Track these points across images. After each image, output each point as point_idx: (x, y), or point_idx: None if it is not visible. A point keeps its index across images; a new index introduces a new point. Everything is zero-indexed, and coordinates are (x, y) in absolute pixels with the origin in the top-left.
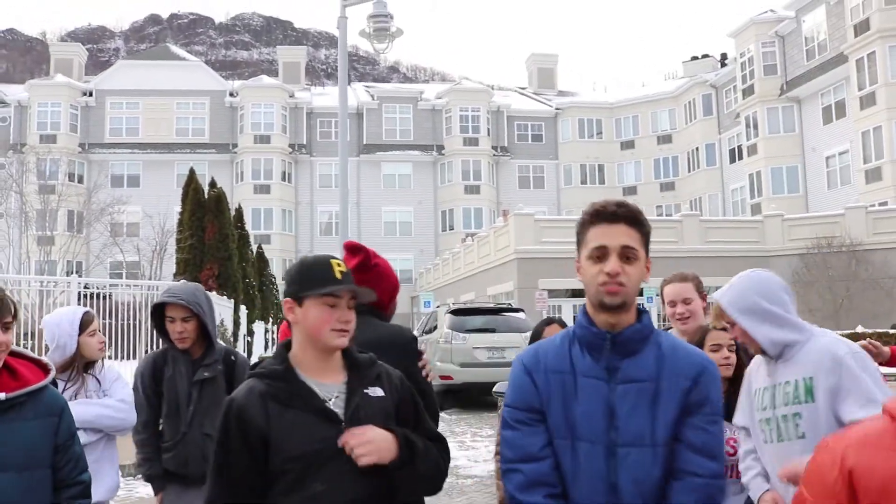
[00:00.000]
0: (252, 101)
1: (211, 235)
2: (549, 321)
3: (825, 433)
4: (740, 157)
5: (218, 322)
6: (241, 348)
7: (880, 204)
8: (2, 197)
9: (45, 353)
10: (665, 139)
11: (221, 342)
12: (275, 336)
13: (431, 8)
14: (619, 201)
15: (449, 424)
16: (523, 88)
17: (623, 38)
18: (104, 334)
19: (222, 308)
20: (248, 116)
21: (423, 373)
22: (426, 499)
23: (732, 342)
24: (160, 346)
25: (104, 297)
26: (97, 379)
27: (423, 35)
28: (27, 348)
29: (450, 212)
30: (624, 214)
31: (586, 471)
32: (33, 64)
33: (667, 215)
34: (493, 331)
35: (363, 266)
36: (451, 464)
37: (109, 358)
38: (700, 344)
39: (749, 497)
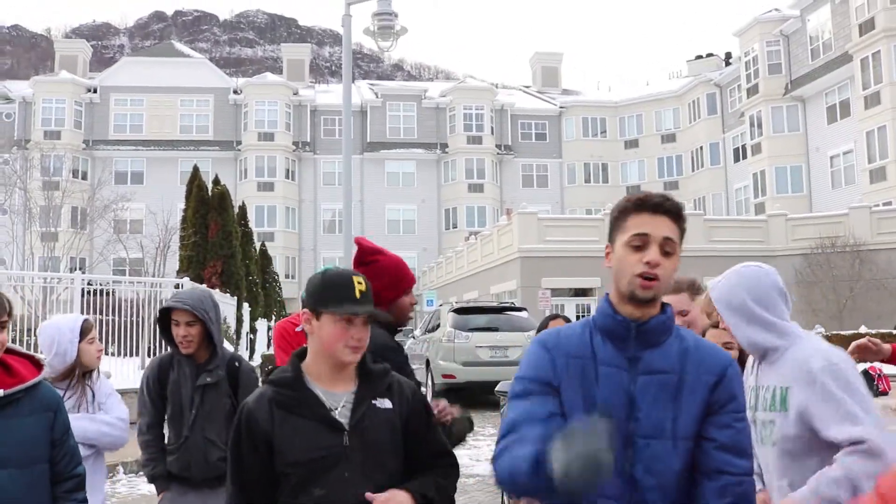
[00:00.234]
0: (256, 99)
1: (214, 233)
2: (553, 316)
3: (793, 445)
4: (744, 157)
5: (220, 320)
6: (243, 346)
7: (884, 204)
8: (6, 193)
9: (37, 348)
10: (669, 138)
11: (230, 347)
12: None
13: (436, 6)
14: (663, 193)
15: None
16: (527, 87)
17: (627, 36)
18: (108, 331)
19: (225, 306)
20: (252, 114)
21: (441, 415)
22: None
23: (731, 340)
24: (162, 343)
25: (107, 294)
26: (92, 390)
27: (427, 33)
28: (30, 344)
29: (453, 210)
30: (668, 207)
31: None
32: (38, 60)
33: None
34: (496, 330)
35: (359, 261)
36: None
37: (112, 354)
38: None
39: None
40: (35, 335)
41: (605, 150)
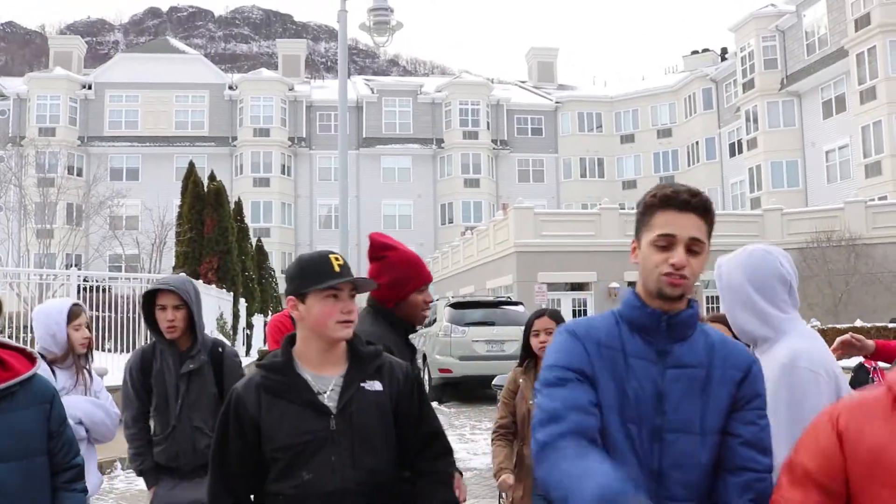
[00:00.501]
0: (251, 95)
1: (210, 228)
2: (540, 313)
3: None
4: (740, 152)
5: (218, 315)
6: (240, 341)
7: (880, 198)
8: (1, 190)
9: (32, 344)
10: (665, 133)
11: (216, 334)
12: None
13: (431, 1)
14: (691, 189)
15: (448, 417)
16: (523, 82)
17: (623, 31)
18: (104, 327)
19: (222, 301)
20: (248, 109)
21: None
22: None
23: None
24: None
25: (103, 290)
26: (90, 374)
27: (423, 28)
28: (27, 341)
29: (449, 205)
30: (696, 204)
31: (633, 453)
32: (32, 57)
33: None
34: (492, 324)
35: (370, 256)
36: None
37: (109, 351)
38: None
39: None
40: (31, 332)
41: (600, 144)
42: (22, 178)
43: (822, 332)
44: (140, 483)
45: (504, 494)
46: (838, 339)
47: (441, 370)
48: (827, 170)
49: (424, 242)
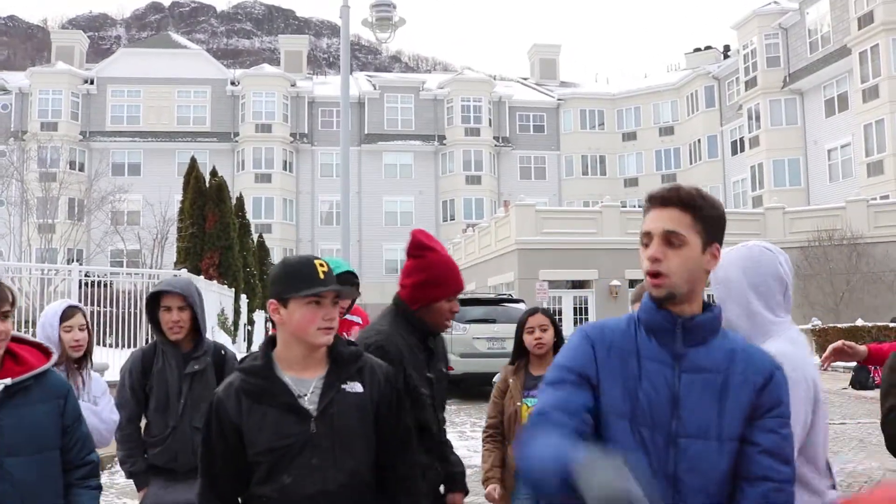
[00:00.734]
0: (253, 90)
1: (212, 224)
2: (533, 310)
3: None
4: (742, 150)
5: (219, 311)
6: (241, 338)
7: (882, 197)
8: (3, 185)
9: None
10: (667, 131)
11: (217, 331)
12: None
13: None
14: (674, 185)
15: (449, 415)
16: (525, 79)
17: (626, 29)
18: (105, 322)
19: (223, 297)
20: (250, 105)
21: None
22: None
23: None
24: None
25: (105, 286)
26: (83, 378)
27: (425, 25)
28: (28, 336)
29: (451, 202)
30: (672, 197)
31: (645, 458)
32: (34, 51)
33: None
34: (493, 321)
35: (409, 252)
36: None
37: (110, 346)
38: None
39: None
40: (33, 327)
41: (602, 142)
42: (24, 172)
43: (824, 332)
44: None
45: None
46: (830, 347)
47: None
48: (829, 168)
49: None
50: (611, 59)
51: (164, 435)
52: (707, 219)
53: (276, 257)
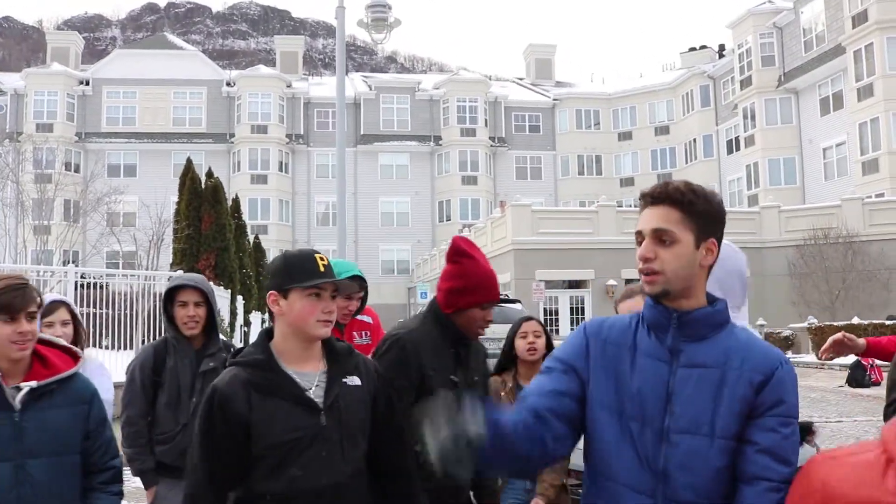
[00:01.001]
0: (249, 91)
1: (208, 225)
2: (528, 317)
3: None
4: (737, 149)
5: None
6: (237, 339)
7: (877, 195)
8: None
9: None
10: (663, 130)
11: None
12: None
13: None
14: (665, 182)
15: None
16: (521, 79)
17: (621, 29)
18: (102, 324)
19: (219, 299)
20: (246, 106)
21: None
22: None
23: None
24: (157, 336)
25: (101, 287)
26: None
27: (421, 25)
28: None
29: (447, 202)
30: (661, 194)
31: (633, 451)
32: (30, 52)
33: None
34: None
35: (447, 258)
36: None
37: (106, 348)
38: None
39: None
40: None
41: (598, 142)
42: (19, 173)
43: (820, 330)
44: (136, 480)
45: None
46: (830, 339)
47: None
48: (824, 167)
49: (422, 240)
50: (606, 58)
51: (173, 432)
52: (700, 214)
53: (272, 258)
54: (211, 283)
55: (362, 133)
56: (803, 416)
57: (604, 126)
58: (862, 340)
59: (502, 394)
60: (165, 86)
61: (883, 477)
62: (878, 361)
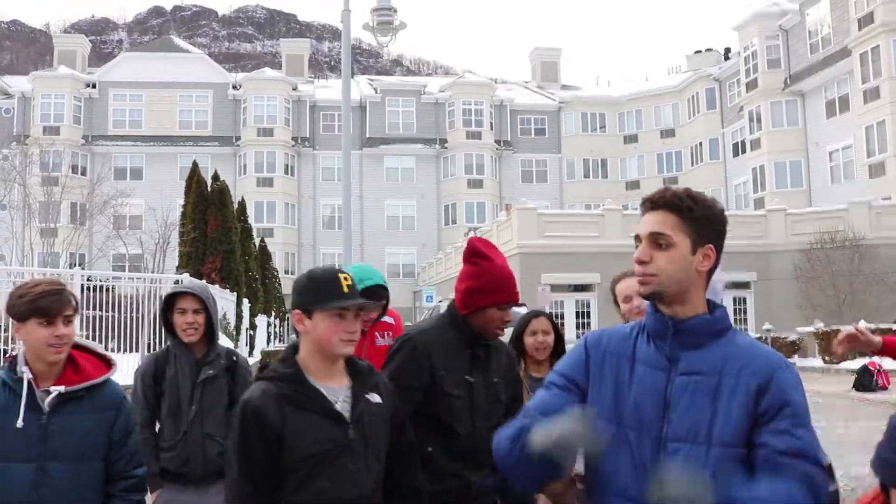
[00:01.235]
0: (255, 94)
1: (214, 228)
2: (537, 313)
3: None
4: (743, 152)
5: (220, 316)
6: (243, 342)
7: (884, 198)
8: (5, 189)
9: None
10: (668, 133)
11: (229, 343)
12: (276, 330)
13: (435, 1)
14: (665, 187)
15: None
16: (527, 82)
17: (626, 32)
18: (108, 327)
19: (225, 302)
20: (252, 109)
21: None
22: None
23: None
24: (162, 339)
25: (107, 290)
26: None
27: (426, 28)
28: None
29: (452, 206)
30: (660, 199)
31: (630, 460)
32: (37, 55)
33: None
34: None
35: (464, 259)
36: None
37: (112, 350)
38: None
39: None
40: None
41: (604, 145)
42: (26, 176)
43: (826, 334)
44: None
45: None
46: (843, 332)
47: None
48: (831, 170)
49: (427, 243)
50: (612, 61)
51: (175, 440)
52: (698, 220)
53: (277, 262)
54: (216, 286)
55: (368, 136)
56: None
57: (609, 129)
58: (877, 338)
59: None
60: (171, 89)
61: None
62: (885, 367)
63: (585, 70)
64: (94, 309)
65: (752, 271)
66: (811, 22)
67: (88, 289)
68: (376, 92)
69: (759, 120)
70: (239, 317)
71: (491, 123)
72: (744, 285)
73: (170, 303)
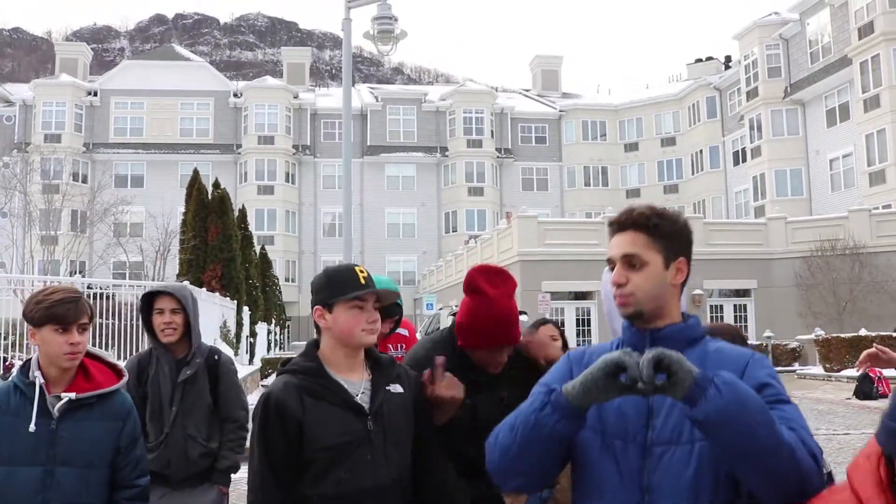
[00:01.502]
0: (256, 102)
1: (214, 236)
2: (544, 321)
3: None
4: (744, 160)
5: (220, 323)
6: (243, 350)
7: (884, 207)
8: (6, 196)
9: (29, 352)
10: (669, 141)
11: (219, 343)
12: (277, 337)
13: (436, 10)
14: (629, 207)
15: None
16: (527, 90)
17: (627, 40)
18: (108, 334)
19: (225, 309)
20: (252, 117)
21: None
22: None
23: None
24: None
25: (107, 298)
26: None
27: (427, 37)
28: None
29: (453, 214)
30: (626, 220)
31: (615, 469)
32: (38, 63)
33: None
34: None
35: (464, 288)
36: None
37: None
38: None
39: None
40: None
41: (605, 153)
42: (27, 184)
43: (826, 342)
44: None
45: None
46: (865, 352)
47: None
48: (831, 178)
49: (428, 251)
50: (612, 70)
51: (157, 441)
52: (666, 235)
53: (278, 269)
54: (217, 293)
55: (369, 144)
56: (811, 428)
57: (610, 137)
58: None
59: None
60: (173, 97)
61: None
62: (885, 374)
63: (586, 78)
64: (95, 317)
65: (752, 279)
66: (811, 31)
67: (89, 296)
68: (377, 100)
69: (759, 128)
70: (239, 324)
71: (491, 131)
72: (744, 293)
73: (148, 303)
